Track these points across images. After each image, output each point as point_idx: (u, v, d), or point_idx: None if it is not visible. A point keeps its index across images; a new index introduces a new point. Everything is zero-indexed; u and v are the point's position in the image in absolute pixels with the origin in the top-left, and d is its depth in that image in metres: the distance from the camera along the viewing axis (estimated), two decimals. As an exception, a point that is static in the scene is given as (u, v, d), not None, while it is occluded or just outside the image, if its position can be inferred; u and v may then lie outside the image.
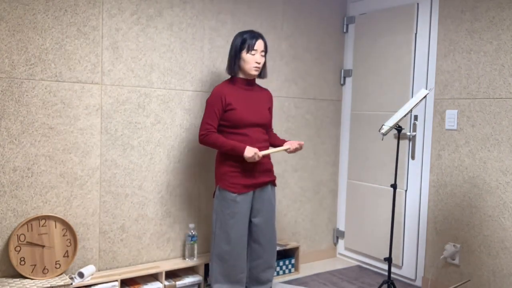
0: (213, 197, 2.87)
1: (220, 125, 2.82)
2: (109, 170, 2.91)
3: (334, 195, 4.06)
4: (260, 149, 2.81)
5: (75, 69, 2.75)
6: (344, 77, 4.00)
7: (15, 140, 2.60)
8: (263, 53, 2.82)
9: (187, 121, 3.19)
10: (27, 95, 2.61)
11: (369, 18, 3.76)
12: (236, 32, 3.36)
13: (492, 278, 2.98)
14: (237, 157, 2.76)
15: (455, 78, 3.18)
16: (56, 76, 2.69)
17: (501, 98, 2.94)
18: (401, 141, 3.49)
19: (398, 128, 2.77)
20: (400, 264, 3.54)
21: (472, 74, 3.08)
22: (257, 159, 2.70)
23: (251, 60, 2.77)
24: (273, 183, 2.95)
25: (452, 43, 3.20)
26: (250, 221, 2.89)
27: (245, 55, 2.77)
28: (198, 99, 3.23)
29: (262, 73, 2.90)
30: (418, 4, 3.41)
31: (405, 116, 2.74)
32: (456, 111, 3.17)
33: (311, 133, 3.85)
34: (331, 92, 3.96)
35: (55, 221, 2.68)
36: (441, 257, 3.23)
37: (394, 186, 2.86)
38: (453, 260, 3.18)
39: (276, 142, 3.01)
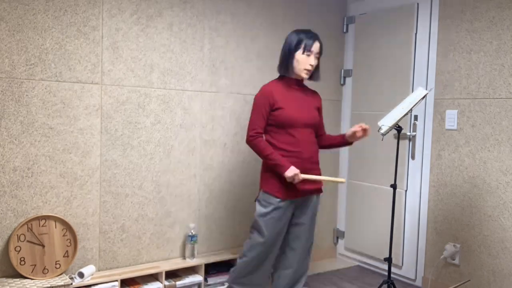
0: (255, 200, 2.76)
1: (267, 124, 2.72)
2: (109, 170, 2.91)
3: (334, 195, 4.06)
4: (308, 152, 2.71)
5: (75, 69, 2.75)
6: (344, 77, 4.00)
7: (15, 140, 2.60)
8: (317, 55, 2.73)
9: (187, 121, 3.19)
10: (27, 95, 2.61)
11: (369, 18, 3.76)
12: (237, 32, 3.36)
13: (492, 278, 2.98)
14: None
15: (455, 78, 3.18)
16: (56, 76, 2.69)
17: (501, 98, 2.93)
18: (401, 141, 3.49)
19: (398, 128, 2.77)
20: (400, 264, 3.54)
21: (472, 74, 3.08)
22: (296, 181, 2.61)
23: (305, 62, 2.68)
24: (318, 191, 2.83)
25: (452, 43, 3.20)
26: (289, 227, 2.80)
27: (299, 55, 2.67)
28: (198, 99, 3.23)
29: (314, 76, 2.79)
30: (418, 4, 3.41)
31: (404, 116, 2.74)
32: (456, 111, 3.17)
33: (311, 133, 3.85)
34: (331, 92, 3.96)
35: (55, 221, 2.68)
36: (441, 257, 3.23)
37: (394, 186, 2.86)
38: (453, 260, 3.18)
39: (332, 141, 2.89)
